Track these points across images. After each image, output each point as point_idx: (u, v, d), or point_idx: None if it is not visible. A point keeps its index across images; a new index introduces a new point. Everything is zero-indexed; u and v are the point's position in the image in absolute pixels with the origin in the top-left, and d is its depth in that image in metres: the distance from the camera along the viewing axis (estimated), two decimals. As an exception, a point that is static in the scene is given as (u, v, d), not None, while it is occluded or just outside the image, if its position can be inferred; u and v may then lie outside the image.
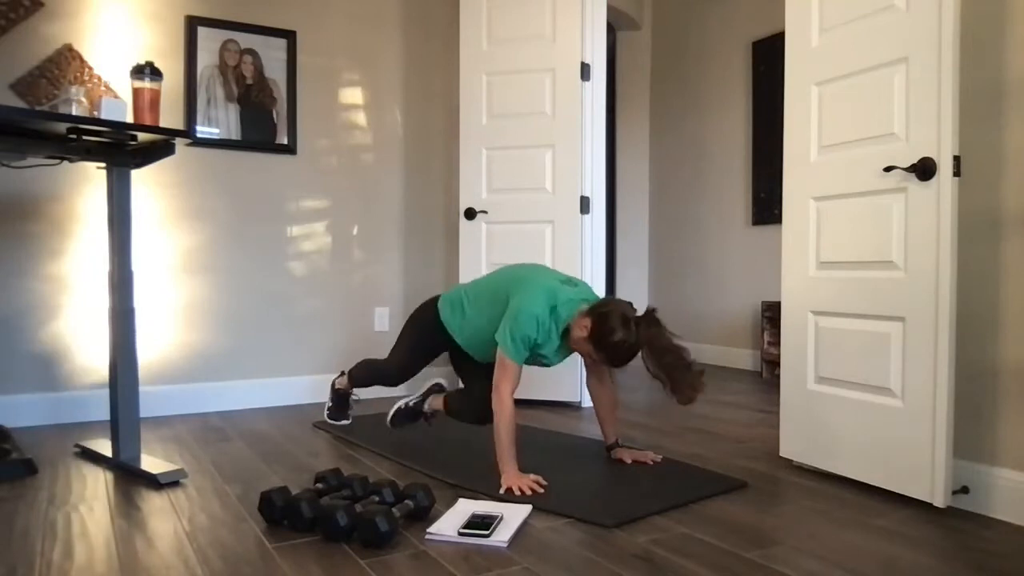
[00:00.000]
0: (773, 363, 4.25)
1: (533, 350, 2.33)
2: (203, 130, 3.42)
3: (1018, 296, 1.97)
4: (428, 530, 1.83)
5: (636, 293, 5.62)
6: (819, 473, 2.39)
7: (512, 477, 2.16)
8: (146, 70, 2.30)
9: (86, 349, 3.17)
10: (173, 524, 1.91)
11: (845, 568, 1.65)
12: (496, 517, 1.87)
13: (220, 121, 3.46)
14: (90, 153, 2.37)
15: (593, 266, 3.51)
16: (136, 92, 2.30)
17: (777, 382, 4.00)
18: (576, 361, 3.42)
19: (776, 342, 4.23)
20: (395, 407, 2.86)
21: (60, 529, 1.86)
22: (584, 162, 3.48)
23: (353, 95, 3.81)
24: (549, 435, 2.91)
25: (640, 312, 2.22)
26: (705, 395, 3.84)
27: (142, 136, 2.30)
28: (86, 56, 3.16)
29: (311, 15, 3.68)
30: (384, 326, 3.89)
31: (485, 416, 2.55)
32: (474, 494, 2.15)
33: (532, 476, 2.18)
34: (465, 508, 1.97)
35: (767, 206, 4.63)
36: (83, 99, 2.24)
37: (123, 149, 2.42)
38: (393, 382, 2.79)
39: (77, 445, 2.66)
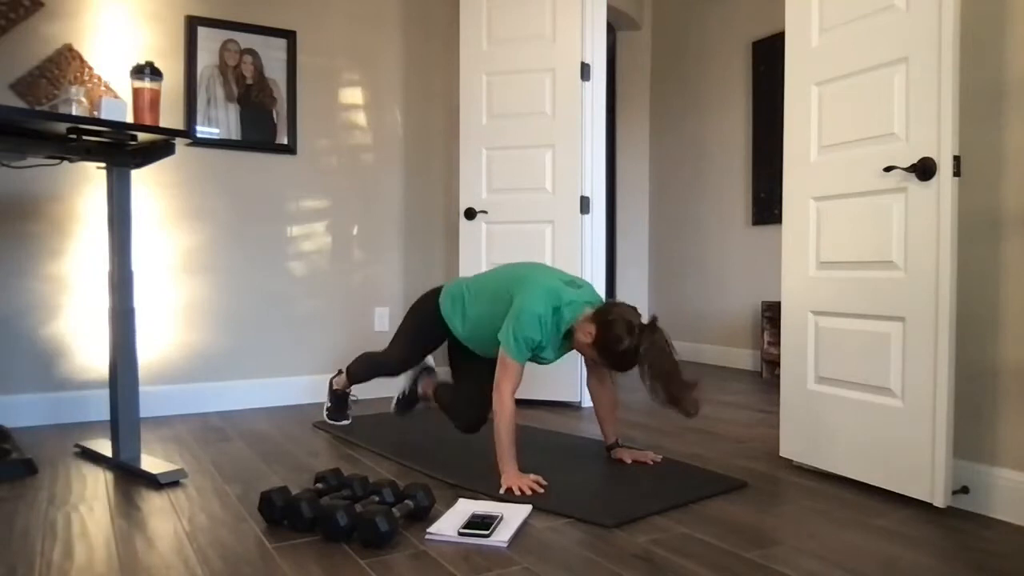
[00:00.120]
0: (773, 363, 4.25)
1: (535, 350, 2.33)
2: (203, 130, 3.42)
3: (1018, 296, 1.97)
4: (428, 530, 1.83)
5: (636, 293, 5.62)
6: (819, 473, 2.39)
7: (512, 477, 2.16)
8: (146, 70, 2.30)
9: (86, 349, 3.17)
10: (173, 524, 1.91)
11: (845, 568, 1.65)
12: (496, 517, 1.87)
13: (220, 121, 3.46)
14: (90, 153, 2.37)
15: (593, 266, 3.51)
16: (136, 92, 2.30)
17: (777, 382, 4.00)
18: (576, 361, 3.43)
19: (776, 342, 4.23)
20: (395, 399, 2.98)
21: (60, 529, 1.86)
22: (584, 162, 3.48)
23: (353, 95, 3.81)
24: (549, 435, 2.91)
25: (645, 320, 2.22)
26: (705, 395, 3.84)
27: (142, 136, 2.30)
28: (86, 56, 3.16)
29: (311, 15, 3.68)
30: (384, 326, 3.89)
31: (473, 426, 2.59)
32: (474, 494, 2.15)
33: (532, 476, 2.18)
34: (465, 508, 1.97)
35: (767, 206, 4.63)
36: (83, 99, 2.24)
37: (123, 149, 2.42)
38: (395, 373, 2.83)
39: (77, 445, 2.66)
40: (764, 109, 4.63)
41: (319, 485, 2.06)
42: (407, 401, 2.99)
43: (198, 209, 3.42)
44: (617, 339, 2.15)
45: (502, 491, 2.13)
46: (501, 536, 1.78)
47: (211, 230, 3.45)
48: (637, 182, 5.68)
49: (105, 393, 3.11)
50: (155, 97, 2.32)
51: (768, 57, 4.58)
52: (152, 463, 2.38)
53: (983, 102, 2.05)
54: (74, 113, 2.19)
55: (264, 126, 3.56)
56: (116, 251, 2.43)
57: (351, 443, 2.79)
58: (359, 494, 2.01)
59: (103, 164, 2.46)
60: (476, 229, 3.65)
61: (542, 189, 3.55)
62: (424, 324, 2.66)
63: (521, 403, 2.25)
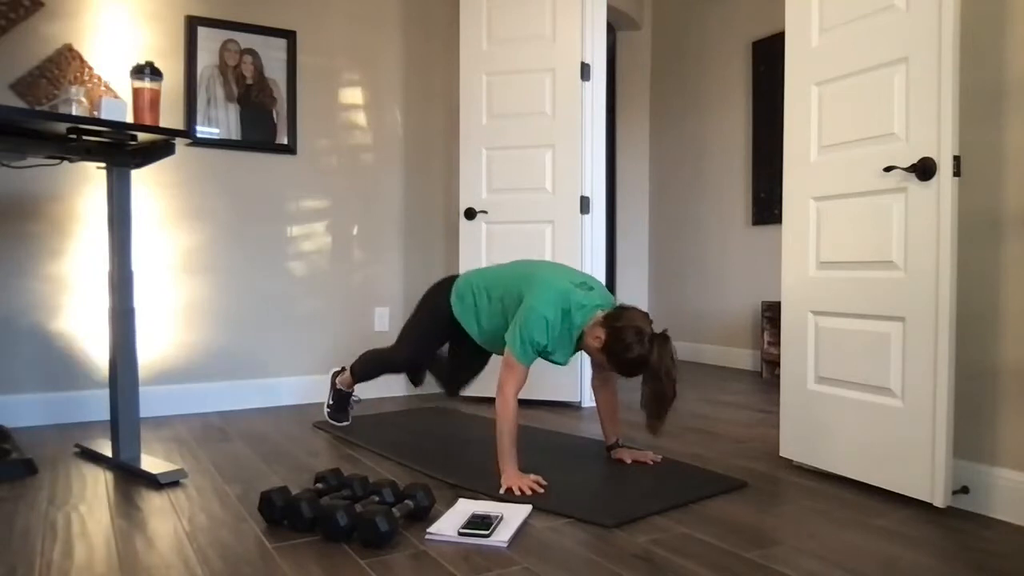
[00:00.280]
0: (773, 363, 4.25)
1: (542, 352, 2.32)
2: (203, 130, 3.42)
3: (1018, 296, 1.97)
4: (428, 530, 1.83)
5: (636, 293, 5.62)
6: (819, 473, 2.39)
7: (512, 477, 2.16)
8: (146, 70, 2.30)
9: (86, 349, 3.17)
10: (173, 524, 1.91)
11: (845, 568, 1.65)
12: (496, 517, 1.87)
13: (220, 121, 3.46)
14: (90, 153, 2.37)
15: (593, 266, 3.51)
16: (136, 92, 2.30)
17: (777, 382, 4.00)
18: (576, 361, 3.43)
19: (776, 342, 4.23)
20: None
21: (60, 529, 1.86)
22: (584, 162, 3.48)
23: (353, 95, 3.81)
24: (549, 435, 2.91)
25: (656, 329, 2.23)
26: (705, 395, 3.84)
27: (142, 136, 2.30)
28: (86, 56, 3.16)
29: (311, 15, 3.68)
30: (384, 326, 3.89)
31: (455, 390, 2.82)
32: (474, 494, 2.15)
33: (532, 476, 2.18)
34: (465, 508, 1.97)
35: (767, 206, 4.63)
36: (83, 99, 2.24)
37: (123, 149, 2.42)
38: (402, 371, 2.85)
39: (77, 445, 2.66)
40: (764, 109, 4.63)
41: (319, 485, 2.06)
42: (338, 407, 3.05)
43: (198, 209, 3.42)
44: (627, 347, 2.16)
45: (502, 491, 2.13)
46: (501, 536, 1.78)
47: (211, 230, 3.45)
48: (637, 182, 5.68)
49: (105, 393, 3.11)
50: (155, 97, 2.32)
51: (768, 57, 4.58)
52: (152, 463, 2.38)
53: (983, 102, 2.05)
54: (74, 113, 2.19)
55: (264, 126, 3.56)
56: (116, 251, 2.43)
57: (351, 443, 2.79)
58: (359, 494, 2.01)
59: (103, 164, 2.46)
60: (476, 229, 3.65)
61: (542, 189, 3.55)
62: (436, 324, 2.67)
63: (521, 403, 2.26)
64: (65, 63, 3.12)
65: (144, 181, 3.30)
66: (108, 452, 2.48)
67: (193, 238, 3.41)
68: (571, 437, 2.89)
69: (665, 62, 5.50)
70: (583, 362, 3.43)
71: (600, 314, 2.26)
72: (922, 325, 2.03)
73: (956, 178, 1.97)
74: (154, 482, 2.25)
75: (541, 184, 3.55)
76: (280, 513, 1.88)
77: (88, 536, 1.82)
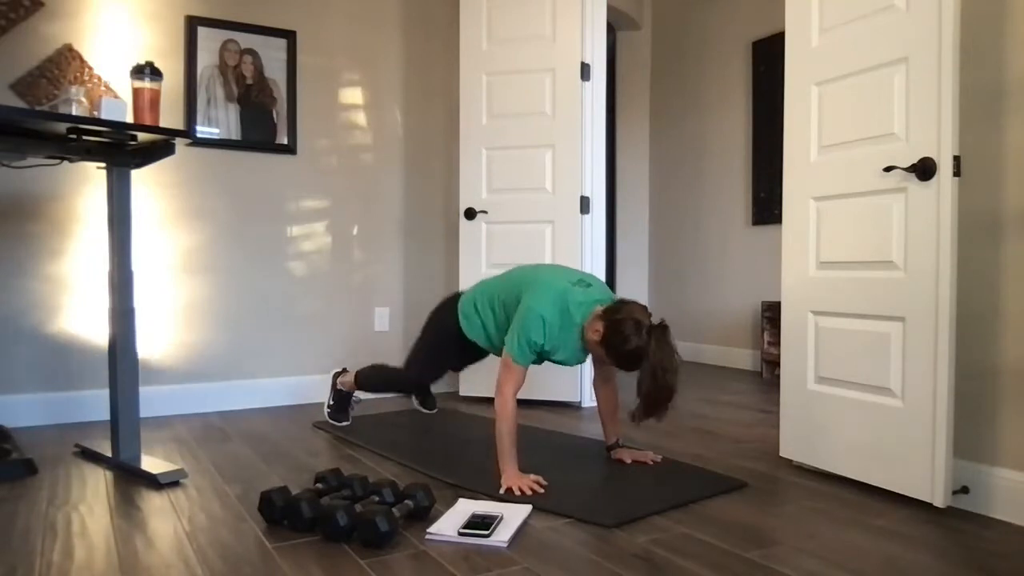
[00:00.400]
0: (773, 363, 4.25)
1: (542, 354, 2.32)
2: (203, 130, 3.42)
3: (1018, 296, 1.97)
4: (428, 530, 1.83)
5: (636, 293, 5.62)
6: (819, 473, 2.39)
7: (512, 477, 2.16)
8: (146, 70, 2.30)
9: (86, 349, 3.17)
10: (173, 524, 1.91)
11: (845, 568, 1.65)
12: (496, 517, 1.87)
13: (220, 121, 3.46)
14: (90, 153, 2.37)
15: (593, 266, 3.51)
16: (136, 92, 2.30)
17: (777, 382, 3.99)
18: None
19: (776, 342, 4.23)
20: (327, 415, 3.05)
21: (60, 529, 1.86)
22: (584, 162, 3.48)
23: (353, 95, 3.81)
24: (549, 435, 2.91)
25: (655, 320, 2.21)
26: (705, 395, 3.84)
27: (142, 136, 2.30)
28: (86, 56, 3.16)
29: (311, 15, 3.68)
30: (384, 326, 3.89)
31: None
32: (474, 494, 2.15)
33: (532, 476, 2.18)
34: (465, 508, 1.97)
35: (767, 206, 4.62)
36: (83, 99, 2.24)
37: (123, 149, 2.42)
38: (413, 391, 2.84)
39: (77, 445, 2.66)
40: (764, 109, 4.63)
41: (319, 485, 2.06)
42: (339, 407, 3.05)
43: (198, 209, 3.42)
44: (625, 339, 2.15)
45: (502, 491, 2.13)
46: (501, 536, 1.78)
47: (211, 230, 3.45)
48: (637, 182, 5.68)
49: (105, 393, 3.11)
50: (155, 97, 2.32)
51: (768, 57, 4.58)
52: (152, 463, 2.38)
53: (983, 102, 2.05)
54: (74, 113, 2.19)
55: (264, 126, 3.56)
56: (116, 251, 2.43)
57: (351, 443, 2.79)
58: (359, 494, 2.01)
59: (103, 164, 2.46)
60: (476, 229, 3.65)
61: (542, 189, 3.55)
62: (446, 342, 2.68)
63: (521, 403, 2.27)
64: (65, 63, 3.12)
65: (144, 181, 3.30)
66: (108, 452, 2.48)
67: (193, 238, 3.41)
68: (571, 437, 2.89)
69: (665, 62, 5.50)
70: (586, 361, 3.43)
71: (599, 308, 2.26)
72: (922, 325, 2.03)
73: (956, 178, 1.97)
74: (154, 482, 2.25)
75: (541, 184, 3.55)
76: (280, 513, 1.88)
77: (88, 536, 1.82)
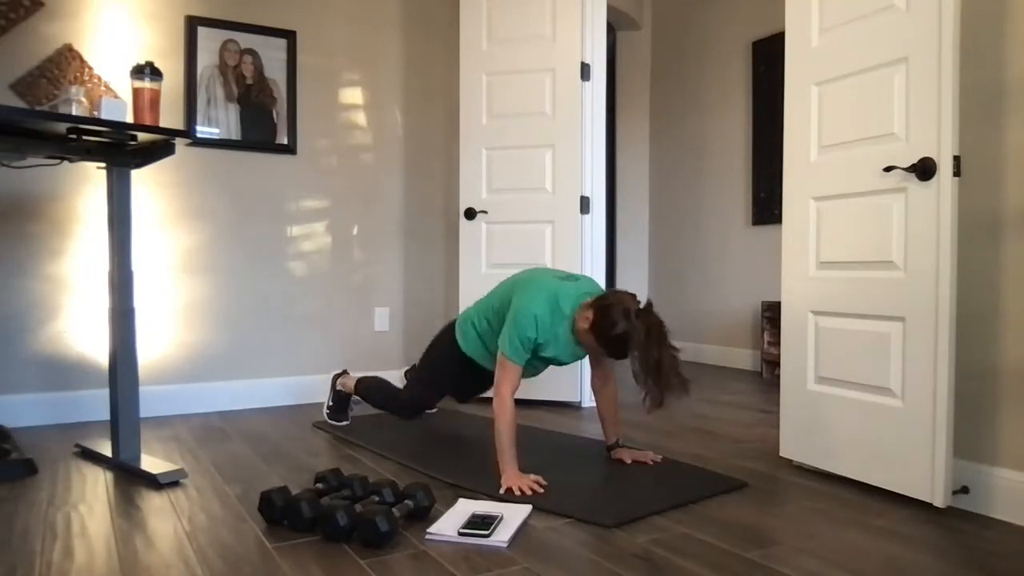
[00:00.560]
0: (773, 363, 4.25)
1: (537, 351, 2.33)
2: (203, 130, 3.42)
3: (1018, 296, 1.97)
4: (428, 530, 1.83)
5: (636, 293, 5.61)
6: (819, 473, 2.39)
7: (512, 477, 2.16)
8: (146, 70, 2.30)
9: (86, 349, 3.17)
10: (173, 524, 1.91)
11: (845, 568, 1.65)
12: (496, 517, 1.86)
13: (220, 121, 3.46)
14: (90, 153, 2.37)
15: (593, 266, 3.51)
16: (136, 92, 2.30)
17: (777, 382, 3.99)
18: (578, 361, 3.42)
19: (776, 342, 4.23)
20: (326, 415, 3.06)
21: (60, 529, 1.86)
22: (584, 162, 3.48)
23: (353, 95, 3.81)
24: (549, 435, 2.91)
25: (642, 304, 2.21)
26: (705, 395, 3.84)
27: (142, 136, 2.30)
28: (86, 56, 3.16)
29: (311, 15, 3.68)
30: (384, 326, 3.89)
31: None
32: (474, 494, 2.15)
33: (532, 476, 2.18)
34: (465, 508, 1.97)
35: (767, 206, 4.62)
36: (83, 99, 2.24)
37: (123, 149, 2.42)
38: (406, 414, 2.84)
39: (77, 445, 2.66)
40: (764, 109, 4.63)
41: (319, 485, 2.06)
42: (338, 408, 3.05)
43: (198, 209, 3.42)
44: (613, 323, 2.15)
45: (502, 491, 2.13)
46: (501, 536, 1.78)
47: (211, 230, 3.45)
48: (637, 182, 5.68)
49: (105, 393, 3.11)
50: (155, 97, 2.32)
51: (768, 57, 4.58)
52: (152, 463, 2.38)
53: (983, 102, 2.05)
54: (74, 113, 2.19)
55: (264, 126, 3.56)
56: (116, 251, 2.43)
57: (351, 443, 2.79)
58: (359, 494, 2.01)
59: (103, 164, 2.46)
60: (476, 229, 3.65)
61: (542, 189, 3.55)
62: (446, 362, 2.71)
63: (521, 403, 2.27)
64: (65, 63, 3.12)
65: (144, 181, 3.30)
66: (108, 452, 2.48)
67: (193, 238, 3.41)
68: (571, 437, 2.89)
69: (665, 62, 5.50)
70: (583, 361, 3.43)
71: (589, 299, 2.28)
72: (922, 325, 2.03)
73: (956, 178, 1.97)
74: (154, 482, 2.25)
75: (541, 184, 3.55)
76: (280, 513, 1.88)
77: (88, 536, 1.82)
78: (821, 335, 2.38)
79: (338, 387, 3.04)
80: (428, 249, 4.05)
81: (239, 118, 3.50)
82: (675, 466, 2.45)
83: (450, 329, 2.73)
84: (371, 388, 2.92)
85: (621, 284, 5.65)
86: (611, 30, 5.55)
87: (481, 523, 1.82)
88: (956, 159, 1.96)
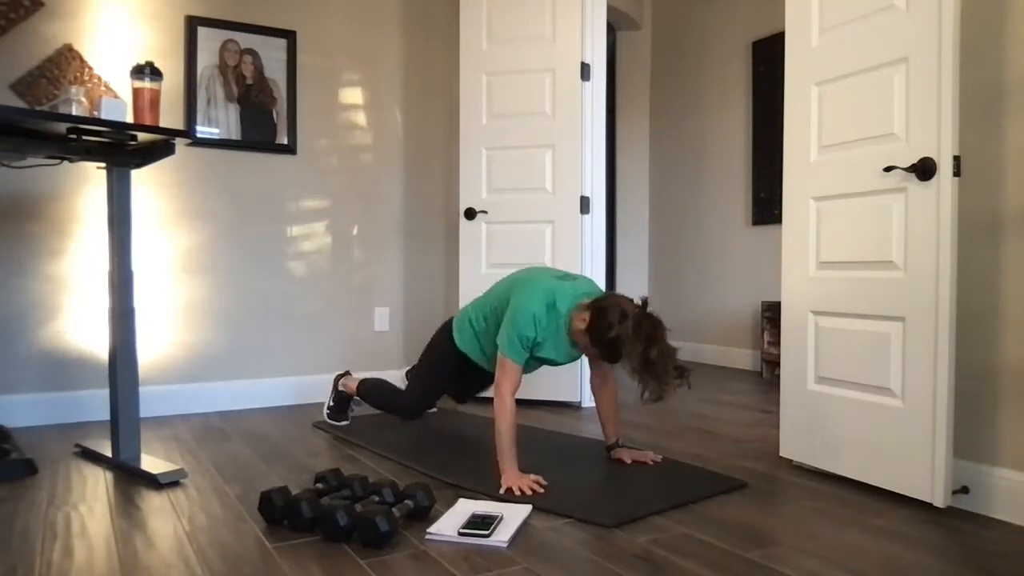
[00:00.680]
0: (773, 363, 4.25)
1: (534, 351, 2.33)
2: (203, 130, 3.42)
3: (1018, 296, 1.97)
4: (428, 530, 1.83)
5: (636, 293, 5.58)
6: (819, 473, 2.39)
7: (512, 477, 2.16)
8: (146, 70, 2.30)
9: (86, 349, 3.17)
10: (173, 524, 1.91)
11: (845, 568, 1.65)
12: (496, 517, 1.86)
13: (220, 121, 3.46)
14: (90, 153, 2.37)
15: (593, 266, 3.51)
16: (136, 92, 2.30)
17: (777, 382, 3.99)
18: (577, 361, 3.42)
19: (776, 342, 4.23)
20: (326, 415, 3.07)
21: (60, 529, 1.86)
22: (584, 162, 3.48)
23: (353, 95, 3.81)
24: (549, 435, 2.91)
25: (637, 304, 2.22)
26: (705, 395, 3.84)
27: (142, 136, 2.30)
28: (86, 56, 3.16)
29: (311, 15, 3.68)
30: (384, 326, 3.89)
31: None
32: (474, 494, 2.15)
33: (532, 476, 2.18)
34: (465, 508, 1.97)
35: (767, 206, 4.62)
36: (83, 99, 2.24)
37: (123, 149, 2.42)
38: (407, 415, 2.85)
39: (77, 445, 2.66)
40: (764, 109, 4.63)
41: (319, 485, 2.06)
42: (339, 408, 3.06)
43: (198, 209, 3.42)
44: (609, 325, 2.14)
45: (502, 491, 2.13)
46: (501, 536, 1.78)
47: (211, 230, 3.45)
48: (637, 182, 5.68)
49: (105, 393, 3.11)
50: (155, 97, 2.32)
51: (768, 57, 4.58)
52: (152, 463, 2.38)
53: (983, 102, 2.05)
54: (74, 113, 2.19)
55: (264, 126, 3.56)
56: (116, 251, 2.43)
57: (351, 443, 2.79)
58: (359, 494, 2.01)
59: (103, 164, 2.46)
60: (476, 229, 3.65)
61: (542, 189, 3.55)
62: (442, 360, 2.72)
63: (521, 403, 2.27)
64: (65, 63, 3.12)
65: (144, 181, 3.30)
66: (108, 452, 2.48)
67: (193, 238, 3.41)
68: (571, 437, 2.89)
69: (665, 62, 5.50)
70: (583, 361, 3.43)
71: (586, 300, 2.28)
72: (922, 325, 2.03)
73: (956, 178, 1.97)
74: (154, 482, 2.25)
75: (541, 184, 3.55)
76: (280, 513, 1.88)
77: (88, 536, 1.82)
78: (821, 335, 2.38)
79: (340, 388, 3.05)
80: (428, 249, 4.05)
81: (239, 118, 3.50)
82: (675, 466, 2.45)
83: (447, 328, 2.73)
84: (372, 389, 2.93)
85: (621, 284, 5.65)
86: (611, 30, 5.55)
87: (481, 523, 1.82)
88: (956, 159, 1.96)
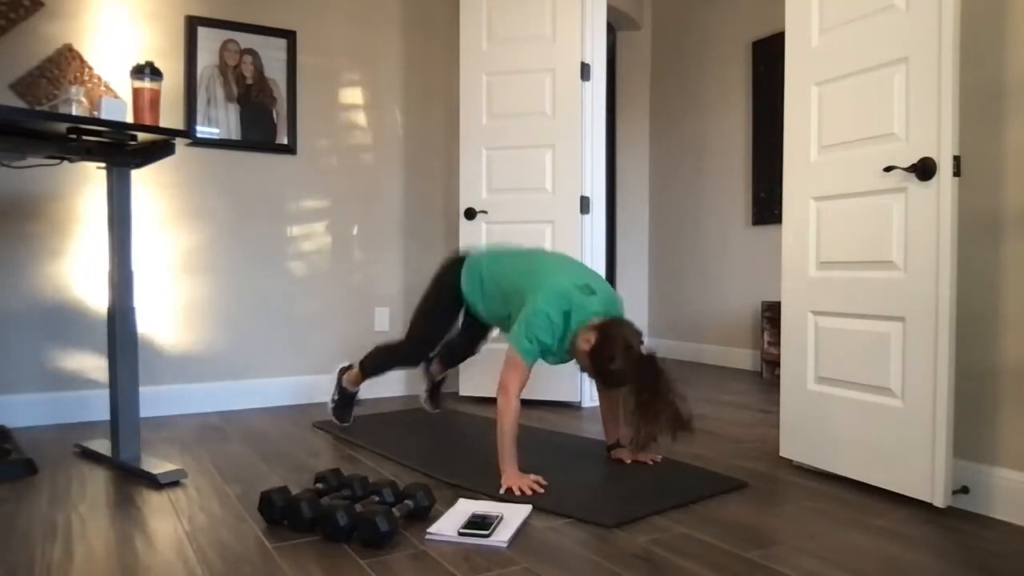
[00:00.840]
0: (773, 363, 4.25)
1: (543, 352, 2.33)
2: (203, 130, 3.42)
3: (1018, 296, 1.97)
4: (428, 530, 1.83)
5: (636, 293, 5.62)
6: (819, 473, 2.39)
7: (512, 477, 2.16)
8: (146, 70, 2.30)
9: (86, 349, 3.17)
10: (173, 524, 1.91)
11: (845, 568, 1.65)
12: (496, 517, 1.87)
13: (220, 121, 3.46)
14: (90, 153, 2.37)
15: (593, 266, 3.51)
16: (136, 92, 2.30)
17: (777, 382, 3.99)
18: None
19: (776, 342, 4.23)
20: (330, 410, 3.06)
21: (60, 529, 1.86)
22: (584, 162, 3.48)
23: (353, 95, 3.81)
24: (549, 435, 2.91)
25: (645, 346, 2.26)
26: (705, 395, 3.84)
27: (142, 136, 2.30)
28: (86, 56, 3.16)
29: (311, 15, 3.68)
30: (384, 326, 3.89)
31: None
32: (474, 494, 2.15)
33: (532, 476, 2.18)
34: (465, 508, 1.97)
35: (767, 206, 4.62)
36: (83, 99, 2.24)
37: (123, 149, 2.42)
38: (412, 358, 2.86)
39: (77, 445, 2.66)
40: (764, 109, 4.63)
41: (319, 485, 2.06)
42: (343, 403, 3.06)
43: (198, 209, 3.42)
44: (611, 357, 2.18)
45: (502, 491, 2.13)
46: (501, 536, 1.78)
47: (211, 230, 3.45)
48: (637, 182, 5.68)
49: (105, 393, 3.11)
50: (155, 97, 2.32)
51: (768, 57, 4.58)
52: (152, 463, 2.38)
53: (983, 102, 2.05)
54: (74, 113, 2.19)
55: (264, 126, 3.56)
56: (116, 251, 2.43)
57: (351, 443, 2.79)
58: (359, 494, 2.01)
59: (103, 164, 2.46)
60: (476, 229, 3.65)
61: (542, 189, 3.55)
62: (444, 298, 2.73)
63: (521, 403, 2.28)
64: (65, 63, 3.12)
65: (144, 181, 3.30)
66: (108, 452, 2.48)
67: (193, 238, 3.41)
68: (571, 437, 2.89)
69: (665, 62, 5.50)
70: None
71: (595, 320, 2.26)
72: (922, 325, 2.03)
73: (956, 178, 1.97)
74: (154, 482, 2.25)
75: (541, 184, 3.55)
76: (280, 513, 1.88)
77: (88, 536, 1.82)
78: (821, 335, 2.38)
79: (343, 383, 3.04)
80: (428, 249, 4.04)
81: (239, 118, 3.50)
82: (675, 466, 2.45)
83: (456, 264, 2.73)
84: (376, 357, 2.93)
85: (621, 284, 5.65)
86: (611, 30, 5.55)
87: (481, 523, 1.83)
88: (956, 159, 1.96)
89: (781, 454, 2.52)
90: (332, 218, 3.75)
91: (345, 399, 3.05)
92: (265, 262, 3.58)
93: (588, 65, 3.49)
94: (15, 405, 3.03)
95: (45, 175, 3.10)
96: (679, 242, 5.37)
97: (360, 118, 3.83)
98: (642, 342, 2.25)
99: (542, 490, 2.14)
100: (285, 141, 3.61)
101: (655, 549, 1.75)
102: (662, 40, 5.54)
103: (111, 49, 3.22)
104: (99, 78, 3.19)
